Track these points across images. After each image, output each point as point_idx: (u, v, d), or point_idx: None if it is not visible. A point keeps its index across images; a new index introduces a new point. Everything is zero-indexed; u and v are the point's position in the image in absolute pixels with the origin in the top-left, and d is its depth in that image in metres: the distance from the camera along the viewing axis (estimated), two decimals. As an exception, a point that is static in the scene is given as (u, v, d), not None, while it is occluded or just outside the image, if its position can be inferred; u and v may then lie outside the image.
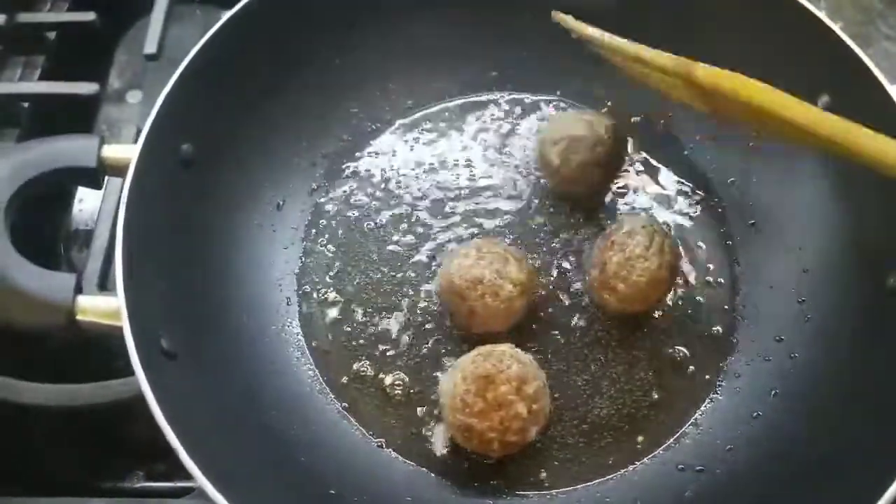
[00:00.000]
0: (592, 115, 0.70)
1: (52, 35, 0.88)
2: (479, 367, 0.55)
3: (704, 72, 0.52)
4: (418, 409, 0.62)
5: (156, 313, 0.53)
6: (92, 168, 0.56)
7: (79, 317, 0.52)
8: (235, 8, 0.65)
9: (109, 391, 0.61)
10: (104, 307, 0.52)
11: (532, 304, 0.64)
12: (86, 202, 0.83)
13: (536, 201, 0.72)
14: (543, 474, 0.59)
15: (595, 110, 0.73)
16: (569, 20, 0.63)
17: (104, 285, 0.71)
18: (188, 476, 0.66)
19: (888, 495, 0.46)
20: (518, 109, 0.77)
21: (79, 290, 0.52)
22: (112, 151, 0.58)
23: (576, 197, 0.71)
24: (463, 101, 0.77)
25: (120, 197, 0.72)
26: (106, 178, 0.62)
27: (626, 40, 0.58)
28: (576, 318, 0.65)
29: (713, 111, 0.57)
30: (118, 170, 0.58)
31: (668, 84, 0.57)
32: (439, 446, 0.60)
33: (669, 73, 0.54)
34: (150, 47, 0.83)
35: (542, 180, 0.73)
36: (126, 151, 0.57)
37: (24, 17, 0.86)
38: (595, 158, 0.67)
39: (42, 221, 0.80)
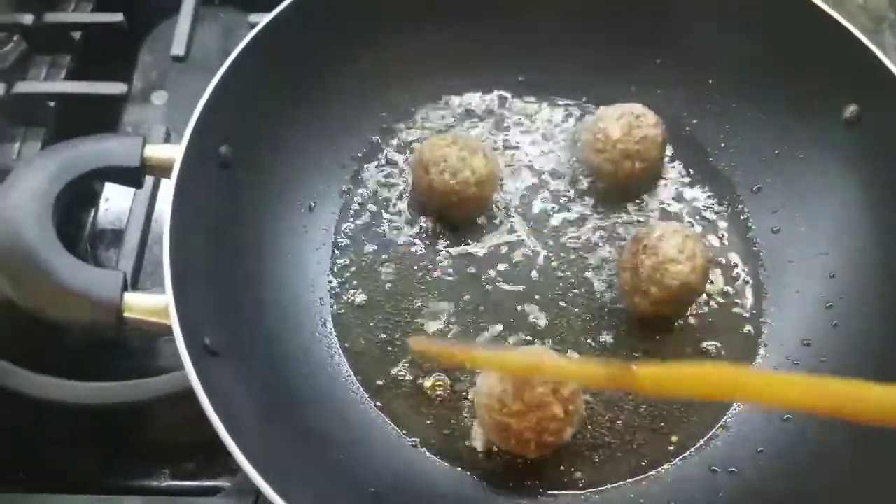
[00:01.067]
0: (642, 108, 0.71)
1: (77, 35, 0.89)
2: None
3: (645, 379, 0.45)
4: (454, 409, 0.63)
5: (199, 312, 0.54)
6: (135, 167, 0.57)
7: (125, 314, 0.52)
8: (271, 14, 0.65)
9: (145, 389, 0.61)
10: (151, 305, 0.52)
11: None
12: (112, 202, 0.83)
13: (572, 197, 0.73)
14: (577, 474, 0.60)
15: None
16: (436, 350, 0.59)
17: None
18: (215, 475, 0.69)
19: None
20: (546, 114, 0.78)
21: (125, 287, 0.52)
22: (155, 151, 0.58)
23: (614, 192, 0.72)
24: (490, 104, 0.78)
25: (151, 196, 0.75)
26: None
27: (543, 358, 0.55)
28: (606, 319, 0.66)
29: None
30: (160, 170, 0.59)
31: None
32: (476, 446, 0.61)
33: (603, 383, 0.52)
34: (178, 49, 0.84)
35: (580, 176, 0.73)
36: (168, 151, 0.58)
37: (51, 17, 0.87)
38: (655, 137, 0.68)
39: (68, 221, 0.80)
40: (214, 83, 0.60)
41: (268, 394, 0.57)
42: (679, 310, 0.65)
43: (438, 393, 0.63)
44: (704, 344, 0.65)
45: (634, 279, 0.63)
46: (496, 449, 0.60)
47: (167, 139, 0.77)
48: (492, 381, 0.56)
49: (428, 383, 0.64)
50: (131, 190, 0.77)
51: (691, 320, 0.66)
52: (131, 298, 0.52)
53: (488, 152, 0.69)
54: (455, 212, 0.70)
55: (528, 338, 0.65)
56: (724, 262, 0.69)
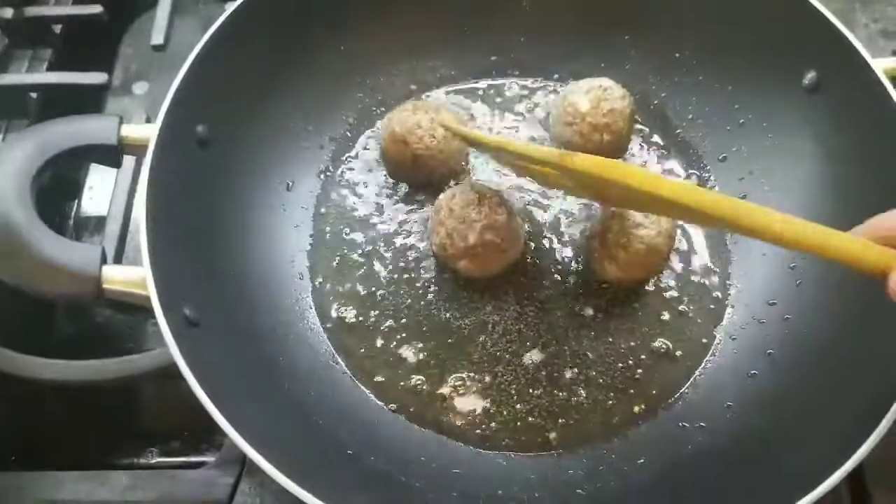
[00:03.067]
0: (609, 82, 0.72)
1: (58, 28, 0.90)
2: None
3: (580, 160, 0.53)
4: (431, 376, 0.65)
5: (177, 283, 0.55)
6: (113, 146, 0.58)
7: (105, 286, 0.53)
8: (243, -5, 0.67)
9: (132, 365, 0.63)
10: (129, 276, 0.54)
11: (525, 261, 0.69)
12: (95, 190, 0.85)
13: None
14: (550, 435, 0.62)
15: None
16: (451, 124, 0.67)
17: (119, 263, 0.73)
18: (201, 451, 0.70)
19: (872, 439, 0.49)
20: (518, 91, 0.79)
21: (104, 260, 0.54)
22: (131, 131, 0.60)
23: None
24: (464, 84, 0.80)
25: (132, 181, 0.76)
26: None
27: (507, 139, 0.63)
28: (573, 286, 0.68)
29: (593, 197, 0.61)
30: (136, 149, 0.61)
31: (549, 176, 0.59)
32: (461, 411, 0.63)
33: (549, 164, 0.56)
34: (158, 38, 0.85)
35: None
36: (144, 131, 0.60)
37: (32, 11, 0.88)
38: (623, 110, 0.70)
39: (52, 208, 0.82)
40: (189, 62, 0.62)
41: (249, 364, 0.59)
42: (648, 273, 0.66)
43: (411, 360, 0.65)
44: (673, 305, 0.67)
45: (603, 245, 0.64)
46: (473, 414, 0.62)
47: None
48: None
49: (402, 350, 0.65)
50: (113, 179, 0.79)
51: (660, 285, 0.68)
52: (110, 270, 0.54)
53: (447, 108, 0.72)
54: (436, 172, 0.72)
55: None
56: (691, 228, 0.71)
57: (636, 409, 0.63)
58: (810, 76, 0.67)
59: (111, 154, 0.59)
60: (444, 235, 0.64)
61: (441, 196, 0.67)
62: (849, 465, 0.48)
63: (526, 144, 0.60)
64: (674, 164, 0.75)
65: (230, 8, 0.66)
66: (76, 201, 0.84)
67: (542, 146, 0.58)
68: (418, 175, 0.72)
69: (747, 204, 0.48)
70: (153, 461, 0.71)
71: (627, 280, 0.66)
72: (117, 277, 0.54)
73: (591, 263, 0.68)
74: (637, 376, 0.64)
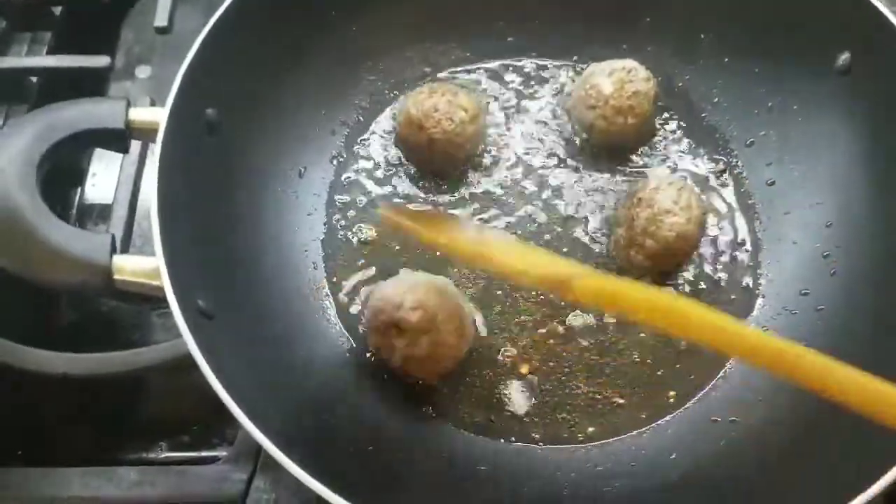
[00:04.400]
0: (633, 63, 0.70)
1: (58, 10, 0.88)
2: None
3: (581, 287, 0.45)
4: (460, 375, 0.62)
5: (190, 274, 0.53)
6: (120, 130, 0.56)
7: (116, 276, 0.51)
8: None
9: (142, 358, 0.61)
10: (141, 266, 0.51)
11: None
12: (99, 177, 0.82)
13: (563, 156, 0.72)
14: (577, 428, 0.60)
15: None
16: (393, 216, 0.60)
17: (126, 252, 0.71)
18: (212, 446, 0.68)
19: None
20: (536, 74, 0.77)
21: (114, 249, 0.51)
22: (139, 114, 0.57)
23: (607, 149, 0.71)
24: (479, 66, 0.77)
25: (138, 168, 0.74)
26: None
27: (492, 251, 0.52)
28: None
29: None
30: (144, 133, 0.58)
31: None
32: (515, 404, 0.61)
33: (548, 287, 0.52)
34: (161, 20, 0.83)
35: (574, 137, 0.73)
36: (152, 114, 0.57)
37: (31, -8, 0.85)
38: (647, 91, 0.67)
39: (55, 196, 0.79)
40: (197, 45, 0.59)
41: (264, 356, 0.57)
42: (675, 263, 0.64)
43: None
44: (701, 296, 0.65)
45: (629, 233, 0.62)
46: (498, 409, 0.60)
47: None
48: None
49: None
50: (118, 165, 0.76)
51: (687, 275, 0.66)
52: (121, 260, 0.51)
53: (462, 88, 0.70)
54: (454, 157, 0.69)
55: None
56: (719, 216, 0.69)
57: (666, 403, 0.61)
58: (844, 58, 0.64)
59: (118, 138, 0.56)
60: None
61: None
62: (890, 476, 0.45)
63: (511, 262, 0.49)
64: (700, 149, 0.72)
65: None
66: (79, 188, 0.82)
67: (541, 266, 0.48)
68: (435, 160, 0.70)
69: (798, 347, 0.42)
70: (162, 456, 0.69)
71: (655, 269, 0.64)
72: (128, 267, 0.51)
73: (616, 252, 0.65)
74: (666, 369, 0.62)
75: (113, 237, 0.51)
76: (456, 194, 0.71)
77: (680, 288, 0.65)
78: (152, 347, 0.61)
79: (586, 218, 0.69)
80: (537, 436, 0.60)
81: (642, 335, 0.64)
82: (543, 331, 0.64)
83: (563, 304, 0.64)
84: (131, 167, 0.73)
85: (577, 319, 0.64)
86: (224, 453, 0.65)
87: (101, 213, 0.80)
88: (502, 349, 0.63)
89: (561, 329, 0.64)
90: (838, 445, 0.53)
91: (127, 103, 0.57)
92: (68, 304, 0.75)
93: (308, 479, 0.45)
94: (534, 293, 0.65)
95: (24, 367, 0.62)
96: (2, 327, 0.65)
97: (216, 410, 0.48)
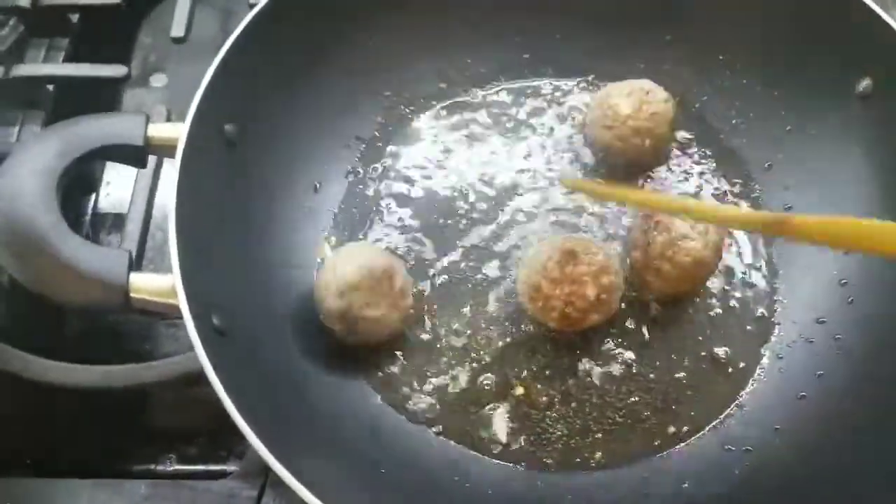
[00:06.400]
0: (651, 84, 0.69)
1: (75, 17, 0.88)
2: (568, 243, 0.59)
3: (801, 226, 0.46)
4: (467, 391, 0.62)
5: (206, 291, 0.53)
6: (139, 146, 0.56)
7: (132, 294, 0.51)
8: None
9: (152, 372, 0.60)
10: (157, 285, 0.51)
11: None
12: (112, 186, 0.82)
13: (581, 176, 0.72)
14: (589, 454, 0.60)
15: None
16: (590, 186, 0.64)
17: (139, 267, 0.71)
18: (221, 459, 0.68)
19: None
20: (552, 92, 0.77)
21: (131, 267, 0.51)
22: (158, 130, 0.57)
23: (623, 170, 0.71)
24: (495, 83, 0.77)
25: (153, 180, 0.74)
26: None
27: (669, 198, 0.58)
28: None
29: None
30: (163, 149, 0.58)
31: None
32: (498, 430, 0.61)
33: (755, 229, 0.53)
34: (178, 30, 0.83)
35: (589, 154, 0.72)
36: (172, 130, 0.57)
37: (49, 0, 0.85)
38: (665, 113, 0.67)
39: (69, 206, 0.79)
40: (217, 61, 0.59)
41: (275, 374, 0.57)
42: (692, 287, 0.64)
43: (452, 373, 0.63)
44: (716, 322, 0.65)
45: (646, 257, 0.62)
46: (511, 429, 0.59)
47: (169, 121, 0.76)
48: (542, 249, 0.60)
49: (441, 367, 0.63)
50: (132, 175, 0.76)
51: (703, 300, 0.65)
52: (137, 279, 0.51)
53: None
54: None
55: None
56: (735, 240, 0.68)
57: (679, 430, 0.60)
58: (864, 83, 0.64)
59: (137, 154, 0.56)
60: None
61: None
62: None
63: (704, 203, 0.55)
64: (717, 172, 0.72)
65: (257, 5, 0.63)
66: (93, 197, 0.82)
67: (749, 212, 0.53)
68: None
69: None
70: (171, 469, 0.69)
71: (670, 294, 0.63)
72: (145, 286, 0.51)
73: (631, 276, 0.65)
74: (680, 396, 0.62)
75: (130, 254, 0.51)
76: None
77: (695, 314, 0.65)
78: (163, 361, 0.61)
79: (600, 239, 0.68)
80: (549, 461, 0.59)
81: (654, 359, 0.63)
82: (557, 360, 0.63)
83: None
84: (146, 179, 0.73)
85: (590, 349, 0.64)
86: (233, 467, 0.65)
87: (115, 222, 0.79)
88: (512, 379, 0.63)
89: (574, 354, 0.63)
90: (855, 475, 0.53)
91: (146, 119, 0.57)
92: (76, 313, 0.74)
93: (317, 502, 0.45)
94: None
95: (35, 378, 0.62)
96: (10, 337, 0.65)
97: (225, 422, 0.48)
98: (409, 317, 0.63)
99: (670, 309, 0.65)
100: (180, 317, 0.49)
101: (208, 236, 0.56)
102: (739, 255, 0.68)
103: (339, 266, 0.59)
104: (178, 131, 0.56)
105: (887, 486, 0.48)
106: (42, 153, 0.51)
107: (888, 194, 0.63)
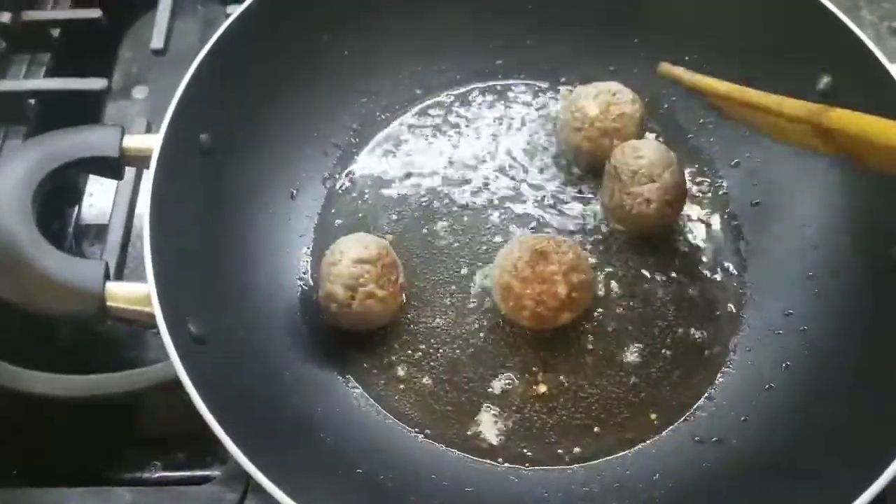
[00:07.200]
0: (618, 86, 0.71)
1: (56, 32, 0.89)
2: (539, 241, 0.60)
3: (836, 116, 0.51)
4: (444, 391, 0.63)
5: (182, 299, 0.54)
6: (115, 158, 0.57)
7: (109, 303, 0.52)
8: (246, 3, 0.65)
9: (133, 380, 0.61)
10: (133, 293, 0.52)
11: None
12: (95, 197, 0.83)
13: (555, 185, 0.73)
14: (563, 449, 0.61)
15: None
16: (681, 73, 0.65)
17: (120, 277, 0.72)
18: (206, 465, 0.69)
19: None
20: (524, 95, 0.78)
21: (107, 276, 0.52)
22: (133, 142, 0.59)
23: (594, 171, 0.72)
24: (470, 88, 0.79)
25: (133, 190, 0.75)
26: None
27: (750, 90, 0.59)
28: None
29: (844, 154, 0.56)
30: (139, 160, 0.59)
31: (790, 130, 0.57)
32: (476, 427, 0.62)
33: (797, 120, 0.55)
34: (157, 42, 0.84)
35: (560, 156, 0.74)
36: (147, 141, 0.58)
37: (30, 15, 0.86)
38: (632, 113, 0.68)
39: (52, 217, 0.80)
40: (192, 71, 0.60)
41: (254, 379, 0.58)
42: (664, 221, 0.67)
43: (431, 375, 0.64)
44: (685, 316, 0.66)
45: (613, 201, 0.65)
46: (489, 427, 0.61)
47: (149, 132, 0.77)
48: (513, 249, 0.61)
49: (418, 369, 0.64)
50: (115, 185, 0.77)
51: (671, 292, 0.67)
52: (114, 287, 0.52)
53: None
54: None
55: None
56: (704, 234, 0.70)
57: (649, 423, 0.61)
58: (825, 81, 0.65)
59: (113, 166, 0.57)
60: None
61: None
62: (873, 490, 0.46)
63: (768, 95, 0.56)
64: (686, 170, 0.73)
65: (233, 14, 0.65)
66: (76, 208, 0.83)
67: (792, 101, 0.54)
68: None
69: None
70: (156, 475, 0.70)
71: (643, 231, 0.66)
72: (122, 295, 0.52)
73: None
74: (650, 390, 0.63)
75: (106, 264, 0.52)
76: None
77: (664, 306, 0.66)
78: (146, 369, 0.62)
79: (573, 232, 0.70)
80: (523, 457, 0.60)
81: (624, 354, 0.65)
82: (534, 357, 0.65)
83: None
84: (126, 190, 0.74)
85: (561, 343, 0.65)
86: (217, 472, 0.65)
87: (98, 233, 0.80)
88: (490, 376, 0.64)
89: (550, 351, 0.65)
90: (821, 464, 0.54)
91: (122, 131, 0.58)
92: (64, 322, 0.75)
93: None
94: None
95: (21, 389, 0.63)
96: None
97: (208, 427, 0.49)
98: (399, 312, 0.65)
99: (639, 302, 0.66)
100: (156, 326, 0.50)
101: (184, 245, 0.57)
102: (708, 249, 0.69)
103: (355, 242, 0.62)
104: (153, 142, 0.57)
105: (853, 474, 0.49)
106: (18, 167, 0.53)
107: (853, 189, 0.64)
